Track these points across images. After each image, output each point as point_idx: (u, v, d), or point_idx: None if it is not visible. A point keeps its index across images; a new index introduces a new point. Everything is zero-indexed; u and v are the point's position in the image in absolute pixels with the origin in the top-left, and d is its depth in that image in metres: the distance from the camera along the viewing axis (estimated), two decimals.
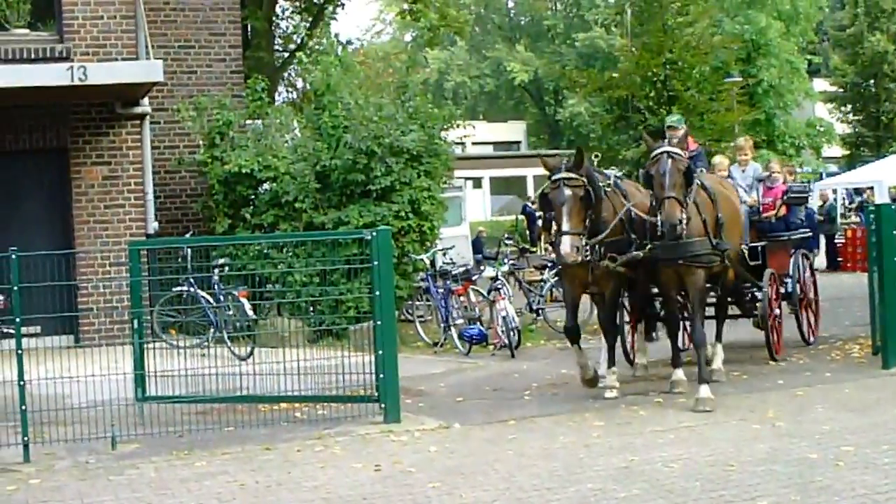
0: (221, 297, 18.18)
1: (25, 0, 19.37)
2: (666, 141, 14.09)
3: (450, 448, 11.82)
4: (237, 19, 23.08)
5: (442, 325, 20.28)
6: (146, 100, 19.92)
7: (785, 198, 17.36)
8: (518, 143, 74.19)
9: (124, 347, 14.30)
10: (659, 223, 13.38)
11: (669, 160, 13.32)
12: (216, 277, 18.35)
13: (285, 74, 36.75)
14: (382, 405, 13.08)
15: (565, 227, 13.21)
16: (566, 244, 13.13)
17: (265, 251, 19.46)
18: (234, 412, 13.60)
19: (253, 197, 20.80)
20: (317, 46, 33.67)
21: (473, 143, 57.00)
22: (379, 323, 13.02)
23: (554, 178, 13.43)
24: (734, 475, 10.09)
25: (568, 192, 13.24)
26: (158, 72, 18.36)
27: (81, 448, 12.19)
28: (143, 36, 19.67)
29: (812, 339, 18.06)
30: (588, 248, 13.46)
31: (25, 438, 11.84)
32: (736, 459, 10.65)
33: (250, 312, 17.51)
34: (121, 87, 18.54)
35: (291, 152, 20.91)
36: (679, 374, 14.48)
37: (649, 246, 13.74)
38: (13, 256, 11.96)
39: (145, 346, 13.59)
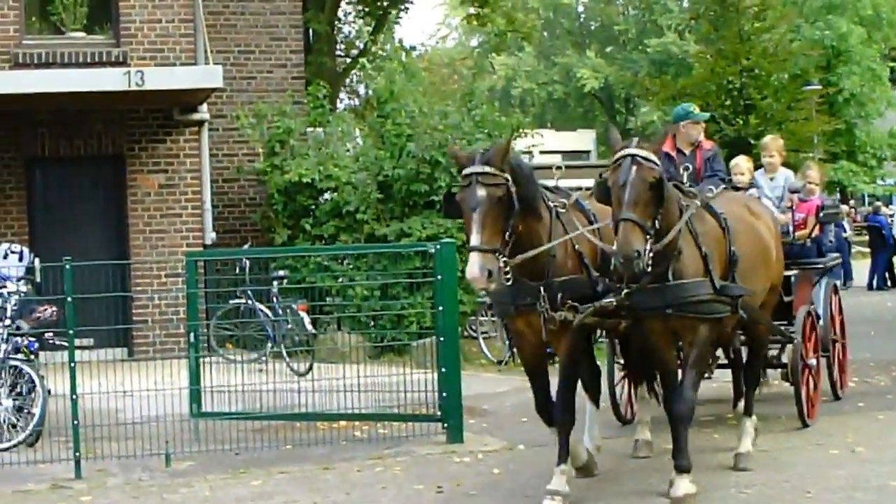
0: (280, 311, 18.07)
1: (82, 3, 19.27)
2: (636, 140, 9.78)
3: (514, 470, 11.59)
4: (298, 24, 22.98)
5: (507, 342, 19.87)
6: (205, 106, 19.87)
7: (821, 215, 13.87)
8: (588, 152, 73.49)
9: (179, 361, 14.32)
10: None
11: (633, 168, 9.38)
12: (275, 290, 18.24)
13: (347, 81, 36.78)
14: (445, 425, 12.84)
15: (474, 240, 9.41)
16: (473, 265, 9.37)
17: (325, 263, 19.33)
18: (292, 430, 13.45)
19: (313, 207, 20.63)
20: (380, 52, 33.60)
21: (541, 153, 56.66)
22: (442, 339, 12.83)
23: (464, 172, 9.69)
24: (811, 503, 9.82)
25: (482, 192, 9.46)
26: (218, 77, 18.25)
27: (134, 465, 12.09)
28: (202, 40, 19.62)
29: (843, 392, 14.78)
30: (508, 271, 9.82)
31: (77, 454, 11.75)
32: (813, 486, 10.30)
33: (309, 327, 17.38)
34: (179, 93, 18.48)
35: (353, 161, 20.80)
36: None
37: (626, 290, 9.83)
38: (67, 266, 11.83)
39: (201, 360, 13.47)
